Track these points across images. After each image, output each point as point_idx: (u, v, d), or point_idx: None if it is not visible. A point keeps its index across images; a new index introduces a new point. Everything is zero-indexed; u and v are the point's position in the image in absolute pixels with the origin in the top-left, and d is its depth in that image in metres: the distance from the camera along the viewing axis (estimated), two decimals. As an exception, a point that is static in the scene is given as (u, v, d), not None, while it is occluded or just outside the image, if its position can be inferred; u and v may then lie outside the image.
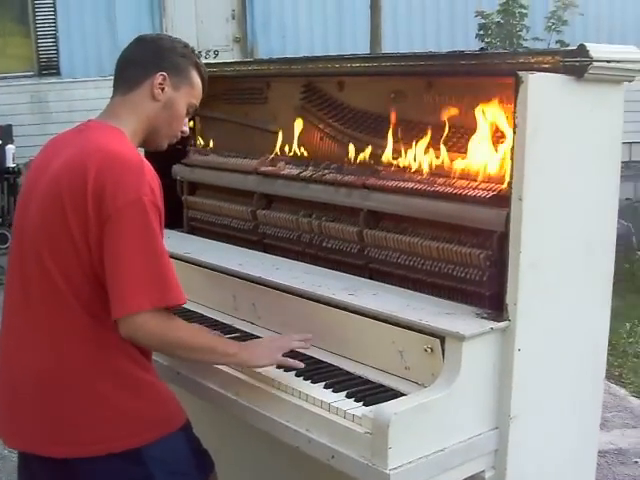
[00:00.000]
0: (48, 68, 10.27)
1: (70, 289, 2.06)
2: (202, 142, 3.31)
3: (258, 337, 2.44)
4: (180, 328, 2.14)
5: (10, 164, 8.39)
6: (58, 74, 10.24)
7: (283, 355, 2.20)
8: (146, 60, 2.24)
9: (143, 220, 2.01)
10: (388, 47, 8.65)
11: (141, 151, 2.30)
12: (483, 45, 8.66)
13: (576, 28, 9.38)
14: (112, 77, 2.28)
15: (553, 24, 8.98)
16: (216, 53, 10.06)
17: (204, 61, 2.37)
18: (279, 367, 2.20)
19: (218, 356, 2.19)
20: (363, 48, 8.71)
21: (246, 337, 2.46)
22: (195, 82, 2.29)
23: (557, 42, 8.50)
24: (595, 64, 2.02)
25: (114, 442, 2.07)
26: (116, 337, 2.06)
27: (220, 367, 2.30)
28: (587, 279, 2.24)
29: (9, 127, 9.00)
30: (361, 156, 2.61)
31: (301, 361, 2.23)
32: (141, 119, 2.22)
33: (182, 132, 2.33)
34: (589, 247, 2.21)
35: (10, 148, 8.49)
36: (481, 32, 9.11)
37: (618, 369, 5.14)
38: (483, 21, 9.11)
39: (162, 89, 2.22)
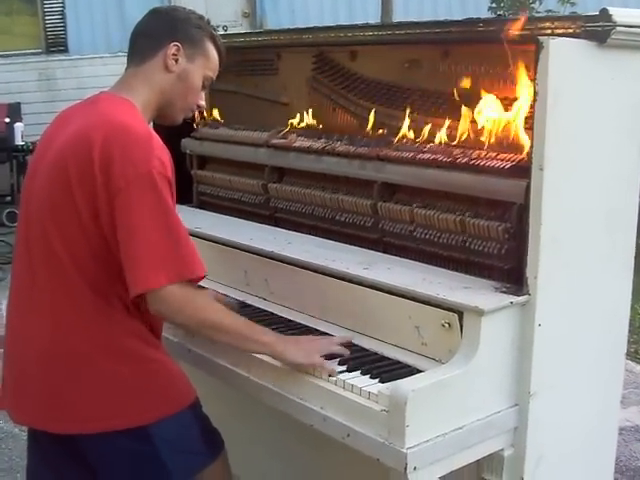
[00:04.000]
0: (56, 45, 10.24)
1: (75, 265, 2.02)
2: (212, 115, 3.25)
3: (272, 313, 2.42)
4: (209, 306, 2.09)
5: (19, 142, 8.36)
6: (66, 51, 10.20)
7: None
8: (160, 31, 2.20)
9: (154, 192, 1.96)
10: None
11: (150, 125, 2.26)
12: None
13: (588, 1, 9.27)
14: (121, 54, 2.25)
15: (567, -5, 8.88)
16: (225, 28, 9.94)
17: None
18: None
19: (250, 342, 2.09)
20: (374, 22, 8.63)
21: (259, 313, 2.43)
22: (211, 54, 2.24)
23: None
24: (618, 29, 1.94)
25: (119, 419, 2.04)
26: (121, 314, 2.04)
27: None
28: (608, 253, 2.18)
29: (17, 105, 8.99)
30: (374, 127, 2.55)
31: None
32: (154, 90, 2.18)
33: (199, 106, 2.29)
34: (610, 220, 2.16)
35: (19, 126, 8.46)
36: (493, 5, 9.02)
37: (634, 345, 5.08)
38: (495, -8, 9.03)
39: (176, 60, 2.17)
